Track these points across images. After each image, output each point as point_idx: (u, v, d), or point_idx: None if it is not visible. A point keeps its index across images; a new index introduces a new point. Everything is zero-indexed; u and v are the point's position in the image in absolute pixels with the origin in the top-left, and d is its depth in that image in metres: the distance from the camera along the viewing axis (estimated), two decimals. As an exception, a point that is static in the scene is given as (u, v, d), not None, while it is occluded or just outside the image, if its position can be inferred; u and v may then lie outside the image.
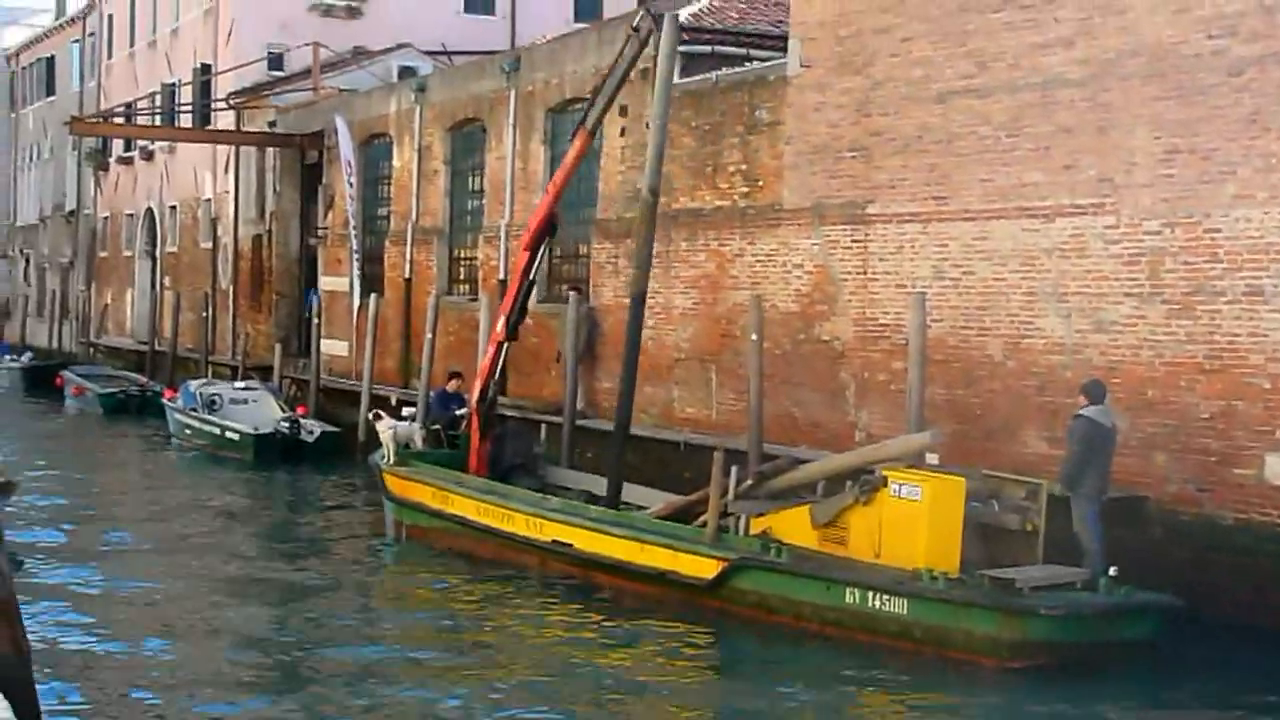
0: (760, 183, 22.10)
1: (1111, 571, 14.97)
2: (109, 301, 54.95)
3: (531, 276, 22.18)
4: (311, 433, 30.83)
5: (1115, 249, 16.97)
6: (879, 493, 15.99)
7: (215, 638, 16.22)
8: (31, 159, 66.66)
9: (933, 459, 16.95)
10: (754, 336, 20.11)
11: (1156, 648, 14.90)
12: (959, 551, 15.51)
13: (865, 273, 20.25)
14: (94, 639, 15.83)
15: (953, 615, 14.94)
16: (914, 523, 15.63)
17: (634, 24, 20.91)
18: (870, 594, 15.43)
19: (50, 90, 64.08)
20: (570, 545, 18.70)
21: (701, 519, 17.57)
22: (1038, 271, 17.86)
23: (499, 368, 22.13)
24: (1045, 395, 17.69)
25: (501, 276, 27.67)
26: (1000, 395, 18.25)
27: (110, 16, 55.96)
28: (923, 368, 18.11)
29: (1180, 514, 16.14)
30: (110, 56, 55.89)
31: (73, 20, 61.83)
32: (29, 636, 10.16)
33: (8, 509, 21.84)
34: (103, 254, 56.17)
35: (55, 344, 58.17)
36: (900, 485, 15.82)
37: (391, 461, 22.11)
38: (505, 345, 22.21)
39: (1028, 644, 14.68)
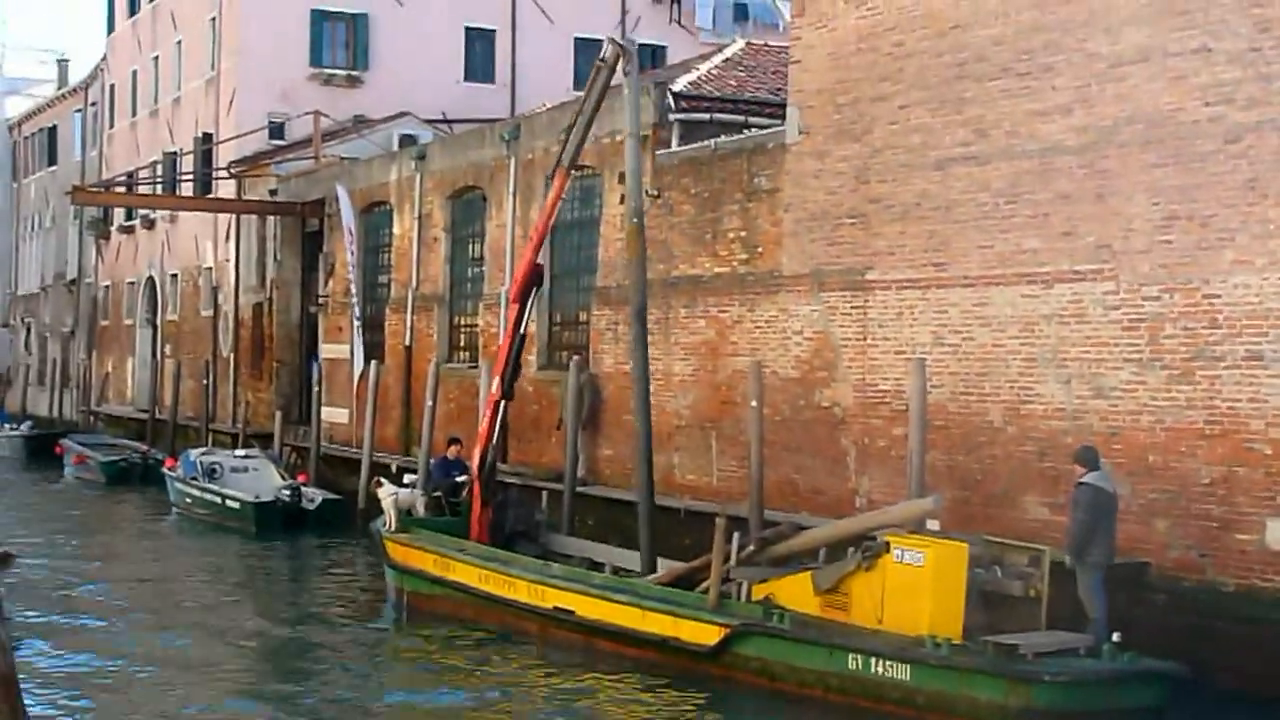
0: (760, 249, 22.18)
1: (1115, 638, 14.91)
2: (110, 370, 54.98)
3: (523, 330, 22.24)
4: (313, 500, 30.77)
5: (1115, 314, 17.01)
6: (882, 558, 15.95)
7: (215, 712, 16.11)
8: (34, 228, 66.88)
9: (933, 525, 16.90)
10: (754, 403, 20.12)
11: (1162, 716, 14.81)
12: (962, 617, 15.46)
13: (865, 339, 20.29)
14: (91, 716, 15.71)
15: (957, 681, 14.86)
16: (917, 588, 15.58)
17: (601, 55, 21.12)
18: (873, 660, 15.36)
19: (52, 160, 64.36)
20: (572, 612, 18.64)
21: (703, 585, 17.51)
22: (1037, 337, 17.89)
23: (497, 430, 22.12)
24: (1046, 461, 17.68)
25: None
26: (1001, 461, 18.25)
27: (112, 86, 56.30)
28: (923, 433, 18.11)
29: (1182, 580, 16.10)
30: (112, 126, 56.18)
31: (75, 90, 62.21)
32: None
33: (7, 580, 21.79)
34: (104, 322, 56.26)
35: (56, 413, 58.12)
36: (903, 551, 15.77)
37: (393, 528, 22.06)
38: (502, 405, 22.22)
39: (1032, 711, 14.57)
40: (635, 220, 20.90)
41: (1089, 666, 14.85)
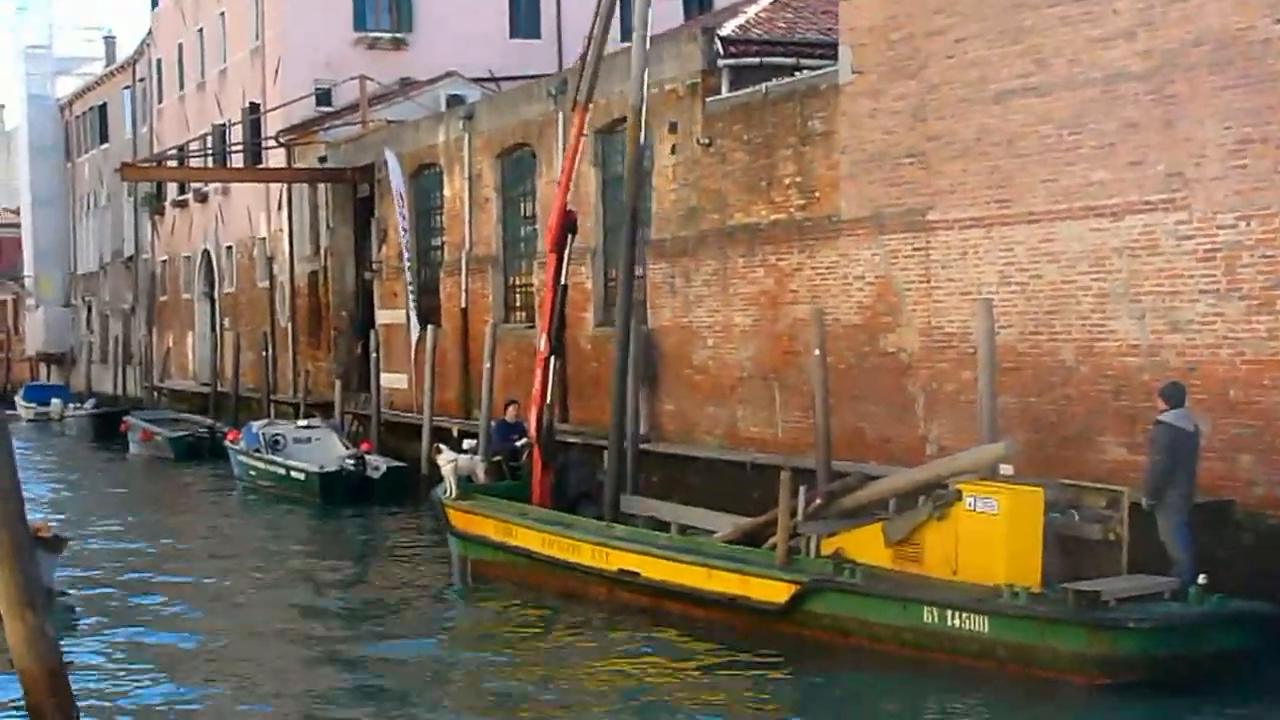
0: (816, 194, 21.61)
1: (1201, 580, 14.37)
2: (171, 345, 55.06)
3: (563, 280, 21.82)
4: (377, 469, 30.52)
5: (1188, 245, 16.36)
6: (954, 507, 15.49)
7: (280, 683, 15.86)
8: (90, 207, 67.01)
9: (1007, 470, 16.42)
10: (816, 352, 19.58)
11: (1252, 658, 14.28)
12: (1040, 565, 14.95)
13: (928, 281, 19.71)
14: (155, 688, 15.46)
15: (1036, 632, 14.38)
16: (992, 537, 15.11)
17: None
18: (949, 612, 14.89)
19: (104, 138, 64.42)
20: (637, 574, 18.24)
21: (771, 542, 17.07)
22: (1108, 272, 17.27)
23: (550, 389, 21.73)
24: (1122, 400, 17.09)
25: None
26: (1075, 401, 17.66)
27: (159, 61, 56.19)
28: (992, 376, 17.53)
29: (1268, 518, 15.49)
30: (161, 101, 56.10)
31: (123, 67, 62.18)
32: (79, 703, 9.78)
33: (69, 561, 21.63)
34: (163, 298, 56.34)
35: (120, 390, 58.26)
36: (975, 499, 15.29)
37: (454, 496, 21.73)
38: (551, 361, 21.81)
39: (1116, 659, 14.10)
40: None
41: (1174, 611, 14.34)
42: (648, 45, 21.56)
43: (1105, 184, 17.27)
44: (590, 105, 21.92)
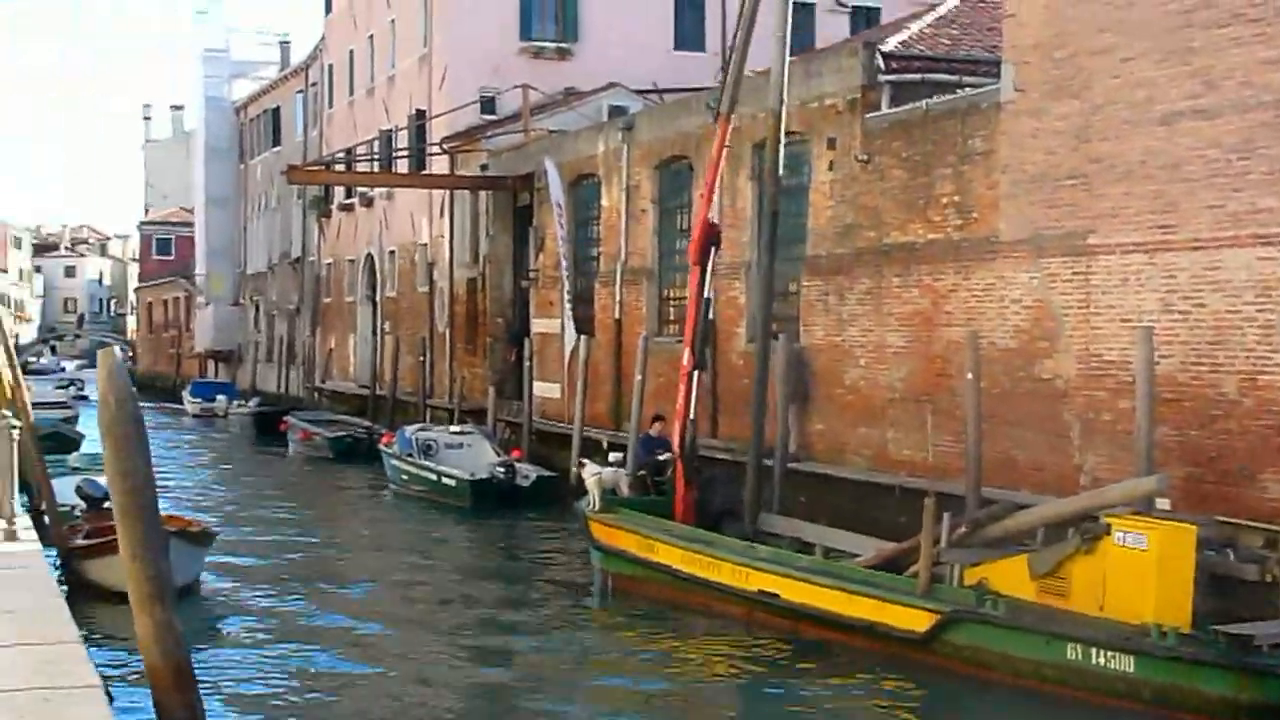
0: (974, 214, 21.15)
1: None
2: (333, 346, 55.79)
3: (707, 294, 21.59)
4: (527, 477, 30.56)
5: (1359, 277, 15.71)
6: (1102, 541, 15.05)
7: (411, 687, 15.84)
8: (260, 209, 68.24)
9: (1164, 504, 15.89)
10: (970, 375, 19.15)
11: None
12: (1190, 605, 14.43)
13: (1088, 307, 19.17)
14: (292, 689, 15.54)
15: (1185, 674, 13.88)
16: (1141, 573, 14.65)
17: None
18: (1094, 650, 14.44)
19: (276, 141, 65.55)
20: (777, 595, 17.98)
21: (913, 569, 16.71)
22: (1275, 303, 16.63)
23: (694, 404, 21.53)
24: (1286, 435, 16.45)
25: (710, 317, 27.02)
26: (1237, 436, 17.02)
27: (331, 66, 57.01)
28: (1151, 407, 16.98)
29: None
30: (331, 105, 56.91)
31: (296, 71, 63.25)
32: (208, 700, 9.74)
33: (215, 558, 21.93)
34: (326, 300, 57.11)
35: (283, 389, 59.28)
36: (1125, 533, 14.83)
37: (597, 508, 21.61)
38: (695, 376, 21.62)
39: (1268, 707, 13.53)
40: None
41: None
42: (788, 48, 21.39)
43: (1274, 211, 16.64)
44: (732, 116, 21.70)
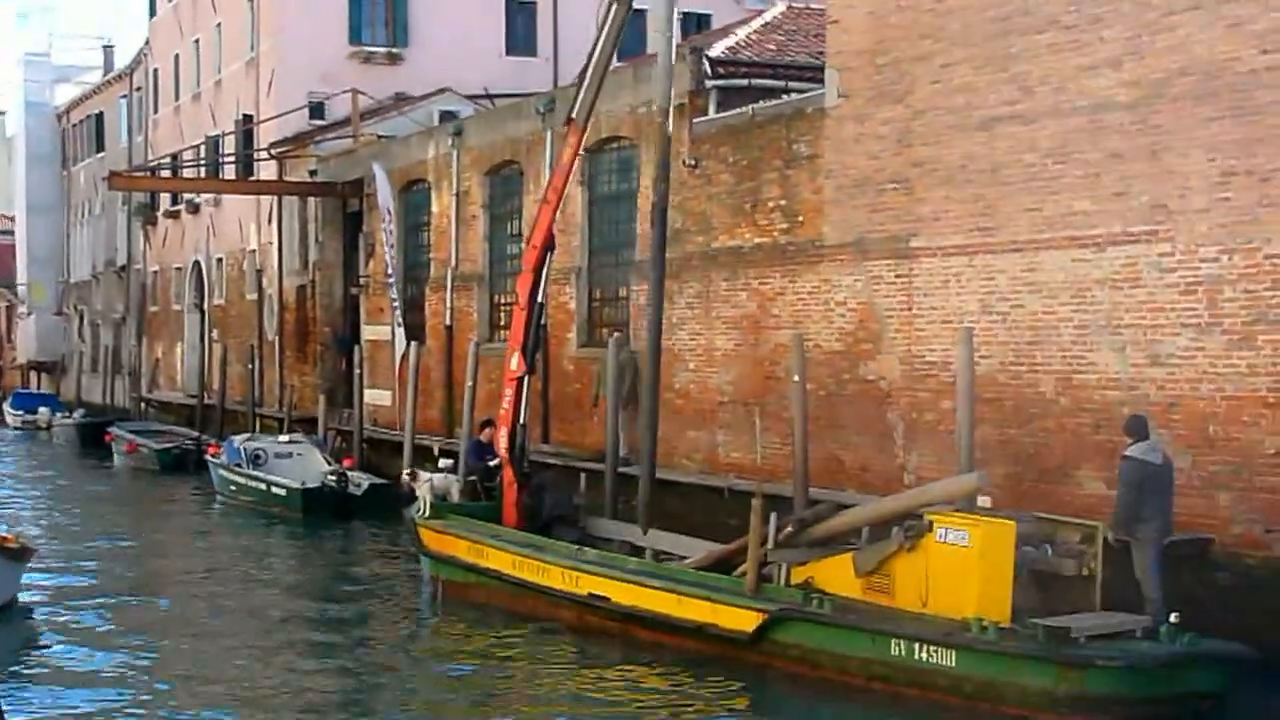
0: (800, 218, 21.39)
1: (1173, 618, 14.08)
2: (160, 356, 54.82)
3: (540, 299, 21.58)
4: (359, 486, 30.22)
5: (1171, 278, 16.15)
6: (925, 538, 15.22)
7: (237, 698, 15.57)
8: (84, 216, 66.85)
9: (984, 502, 16.17)
10: (796, 378, 19.35)
11: (1223, 701, 13.99)
12: (1010, 599, 14.68)
13: (910, 309, 19.48)
14: (107, 711, 15.16)
15: (1005, 667, 14.11)
16: (962, 570, 14.84)
17: None
18: (917, 646, 14.63)
19: (100, 146, 64.25)
20: (607, 598, 17.98)
21: (741, 569, 16.81)
22: (1090, 303, 17.04)
23: (524, 409, 21.48)
24: (1101, 433, 16.84)
25: (543, 322, 27.01)
26: (1054, 434, 17.42)
27: (156, 71, 56.05)
28: (972, 406, 17.29)
29: (1247, 557, 15.26)
30: (156, 111, 55.94)
31: (120, 76, 62.01)
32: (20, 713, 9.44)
33: (34, 577, 21.40)
34: (153, 308, 56.11)
35: (109, 400, 58.01)
36: (947, 530, 15.03)
37: (427, 515, 21.45)
38: (525, 380, 21.58)
39: (1085, 698, 13.81)
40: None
41: (1145, 650, 14.06)
42: (674, 48, 21.62)
43: (1089, 214, 17.06)
44: (587, 124, 21.69)
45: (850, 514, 16.77)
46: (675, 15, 21.34)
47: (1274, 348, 15.14)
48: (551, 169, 27.34)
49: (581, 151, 26.57)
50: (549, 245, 21.66)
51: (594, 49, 21.09)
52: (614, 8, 20.66)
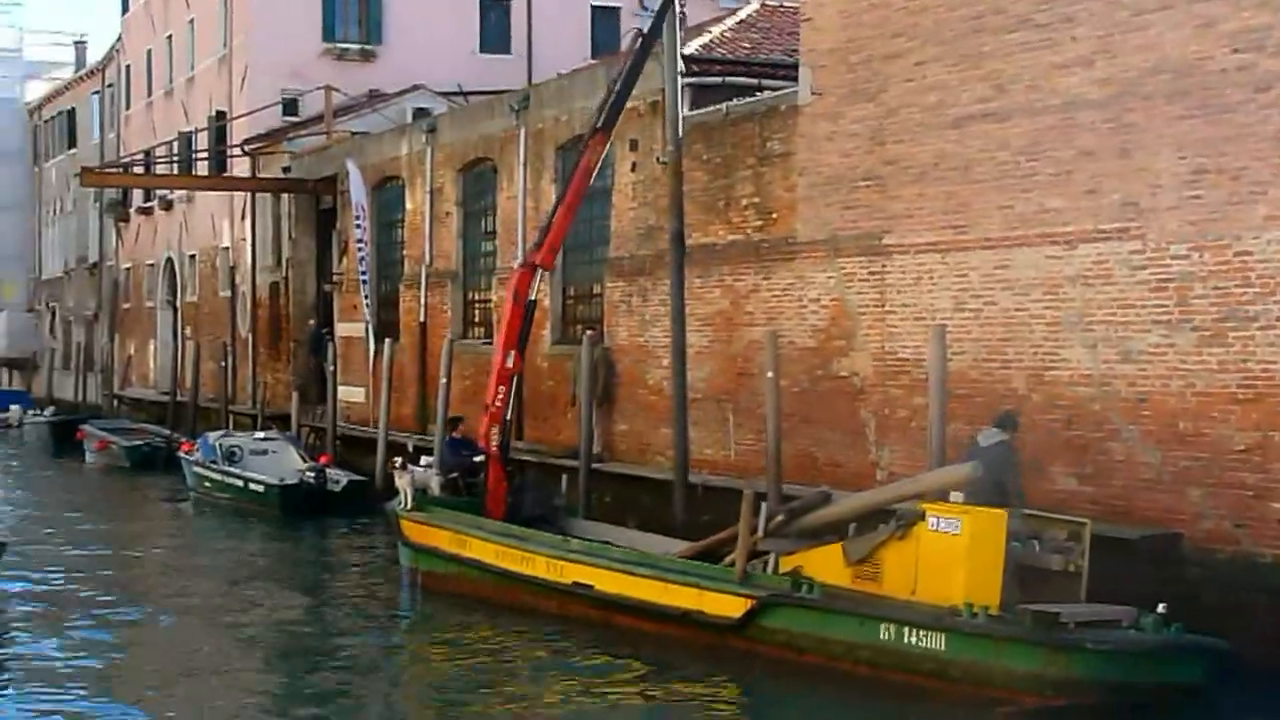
0: (774, 215, 21.47)
1: (1160, 609, 14.21)
2: (132, 353, 54.68)
3: (532, 297, 21.66)
4: (338, 482, 30.21)
5: (1142, 275, 16.27)
6: (916, 527, 15.30)
7: (219, 692, 15.59)
8: (55, 212, 66.62)
9: (957, 497, 16.22)
10: (770, 374, 19.44)
11: (1203, 693, 14.14)
12: (999, 588, 14.77)
13: (883, 306, 19.58)
14: (77, 712, 15.10)
15: (993, 651, 14.22)
16: (953, 557, 14.90)
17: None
18: (906, 630, 14.73)
19: (72, 143, 64.02)
20: (591, 587, 18.05)
21: (729, 558, 16.87)
22: (1061, 300, 17.16)
23: (510, 404, 21.59)
24: (1073, 429, 16.97)
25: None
26: (1025, 430, 17.43)
27: (128, 67, 55.88)
28: (944, 403, 17.38)
29: (1216, 552, 15.39)
30: (129, 107, 55.78)
31: (92, 72, 61.83)
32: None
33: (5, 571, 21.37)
34: (126, 305, 55.95)
35: (81, 397, 57.82)
36: (939, 519, 15.11)
37: (408, 507, 21.50)
38: (518, 378, 21.71)
39: (1072, 681, 13.93)
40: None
41: (1133, 637, 14.19)
42: (680, 40, 22.13)
43: (1061, 212, 17.17)
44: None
45: (842, 504, 16.80)
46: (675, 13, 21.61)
47: (1243, 344, 15.27)
48: (524, 164, 27.51)
49: (553, 149, 26.87)
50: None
51: (626, 62, 21.33)
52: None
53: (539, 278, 21.90)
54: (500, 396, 21.72)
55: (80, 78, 64.25)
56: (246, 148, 41.75)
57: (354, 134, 38.11)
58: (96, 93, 60.62)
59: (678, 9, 22.11)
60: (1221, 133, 15.51)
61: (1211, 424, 15.53)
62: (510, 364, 21.70)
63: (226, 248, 44.61)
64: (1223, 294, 15.48)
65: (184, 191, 47.83)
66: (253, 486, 30.73)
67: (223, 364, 41.61)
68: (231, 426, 37.93)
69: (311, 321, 38.37)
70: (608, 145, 21.86)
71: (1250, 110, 15.25)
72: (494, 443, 21.57)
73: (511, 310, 21.90)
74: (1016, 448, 16.26)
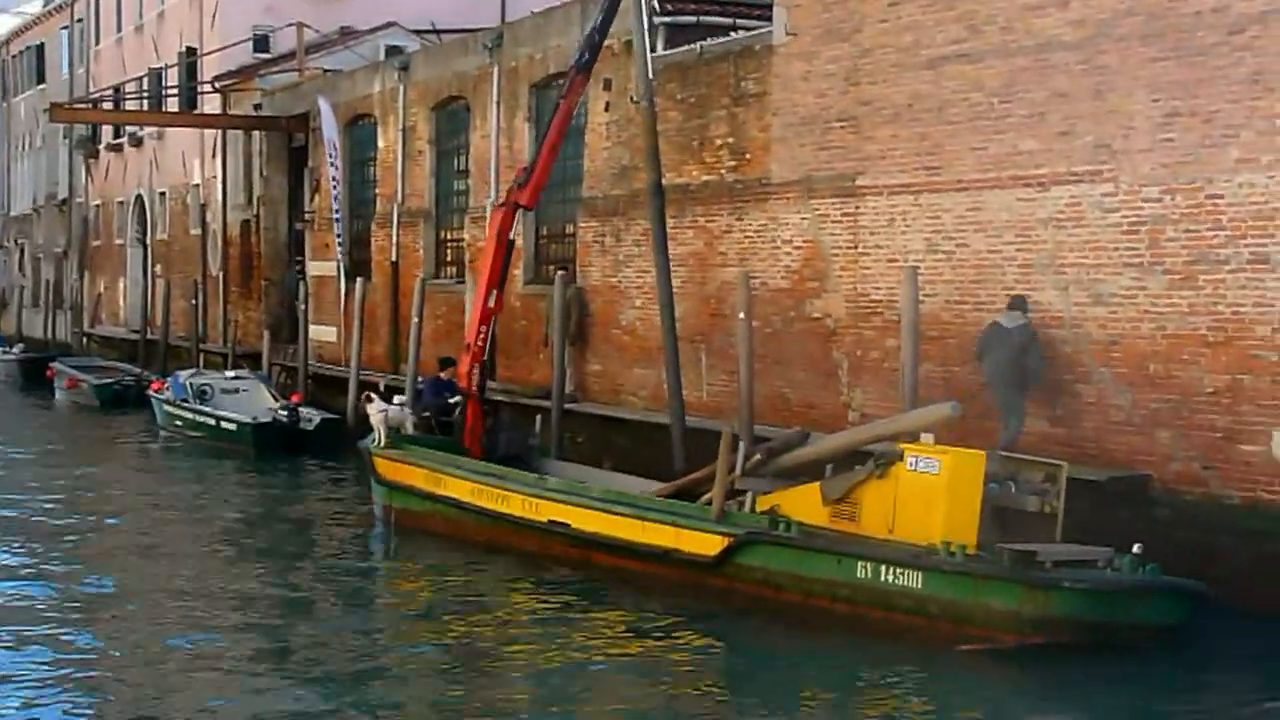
0: (748, 156, 21.44)
1: (1136, 549, 14.34)
2: (102, 291, 54.42)
3: (511, 236, 21.69)
4: (311, 421, 30.17)
5: (1114, 218, 16.31)
6: (895, 466, 15.37)
7: (190, 634, 15.57)
8: (24, 148, 66.10)
9: (927, 439, 16.30)
10: (742, 315, 19.44)
11: (1178, 634, 14.27)
12: (978, 527, 14.86)
13: (856, 247, 19.59)
14: (49, 661, 15.03)
15: (971, 589, 14.30)
16: (931, 496, 15.01)
17: None
18: (884, 567, 14.80)
19: (41, 78, 63.45)
20: (568, 525, 18.11)
21: (706, 497, 16.92)
22: (1034, 242, 17.20)
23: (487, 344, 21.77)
24: (1045, 371, 17.01)
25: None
26: (996, 372, 17.55)
27: (98, 2, 55.32)
28: (916, 344, 17.41)
29: (1185, 494, 15.50)
30: (98, 42, 55.27)
31: (61, 6, 61.15)
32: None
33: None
34: (95, 243, 55.63)
35: (50, 335, 57.60)
36: (917, 458, 15.19)
37: (382, 445, 21.50)
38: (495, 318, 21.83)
39: (1049, 619, 14.04)
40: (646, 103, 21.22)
41: (1110, 577, 14.30)
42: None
43: (1033, 154, 17.18)
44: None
45: (820, 443, 16.85)
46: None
47: (1214, 287, 15.33)
48: (497, 102, 27.38)
49: (527, 88, 26.75)
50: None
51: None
52: None
53: (520, 218, 21.89)
54: (482, 336, 21.83)
55: (49, 12, 63.53)
56: (218, 84, 41.46)
57: (326, 71, 37.89)
58: (65, 27, 60.03)
59: None
60: (1194, 75, 15.52)
61: (1182, 366, 15.61)
62: (492, 304, 21.75)
63: (197, 185, 44.36)
64: (1194, 237, 15.53)
65: (155, 128, 47.48)
66: (225, 425, 30.70)
67: (193, 302, 41.49)
68: (202, 365, 37.85)
69: (298, 260, 38.13)
70: (586, 85, 21.82)
71: (1223, 53, 15.25)
72: (474, 382, 21.66)
73: (495, 250, 21.89)
74: (1035, 329, 16.61)
